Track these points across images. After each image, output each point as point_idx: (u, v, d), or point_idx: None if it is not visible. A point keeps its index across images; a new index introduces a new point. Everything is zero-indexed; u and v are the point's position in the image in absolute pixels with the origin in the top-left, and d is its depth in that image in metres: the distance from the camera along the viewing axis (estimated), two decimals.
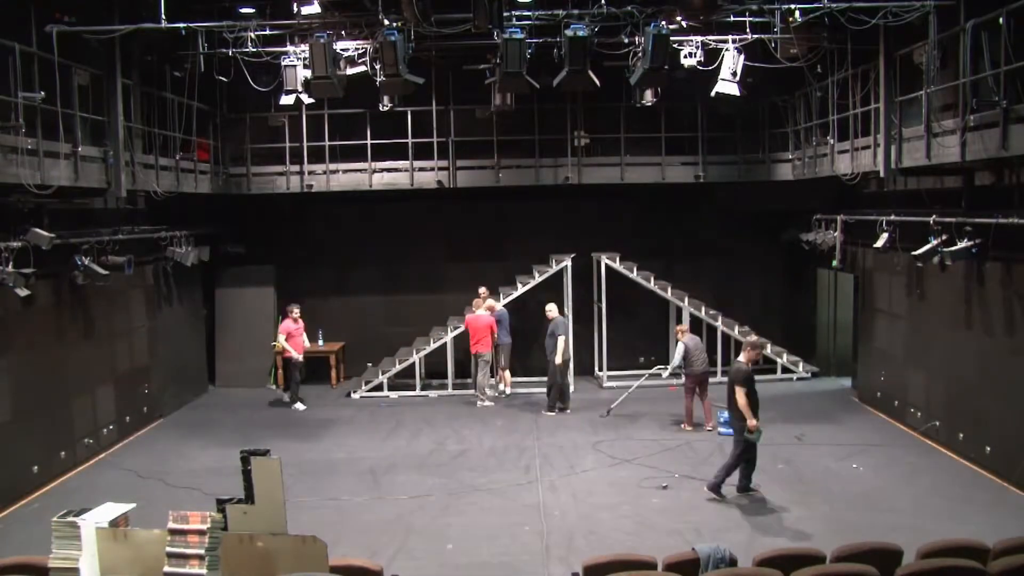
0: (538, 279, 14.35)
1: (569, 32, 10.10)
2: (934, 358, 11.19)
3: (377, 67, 10.94)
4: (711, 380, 12.50)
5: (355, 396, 14.42)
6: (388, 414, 13.42)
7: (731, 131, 14.64)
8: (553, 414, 12.97)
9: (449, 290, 15.52)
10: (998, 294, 9.65)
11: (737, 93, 11.68)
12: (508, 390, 14.38)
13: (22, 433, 9.73)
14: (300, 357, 13.83)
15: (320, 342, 15.23)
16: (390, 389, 14.44)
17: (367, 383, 14.52)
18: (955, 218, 10.05)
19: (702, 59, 11.37)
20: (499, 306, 14.09)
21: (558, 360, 12.97)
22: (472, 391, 14.03)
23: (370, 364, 15.43)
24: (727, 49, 11.37)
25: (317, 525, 8.80)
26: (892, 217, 11.50)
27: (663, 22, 10.34)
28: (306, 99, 12.29)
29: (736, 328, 14.36)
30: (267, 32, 10.92)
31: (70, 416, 10.82)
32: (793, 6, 10.14)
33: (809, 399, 13.32)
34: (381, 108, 13.31)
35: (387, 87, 11.39)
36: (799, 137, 14.12)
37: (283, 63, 11.25)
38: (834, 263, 13.50)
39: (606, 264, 14.32)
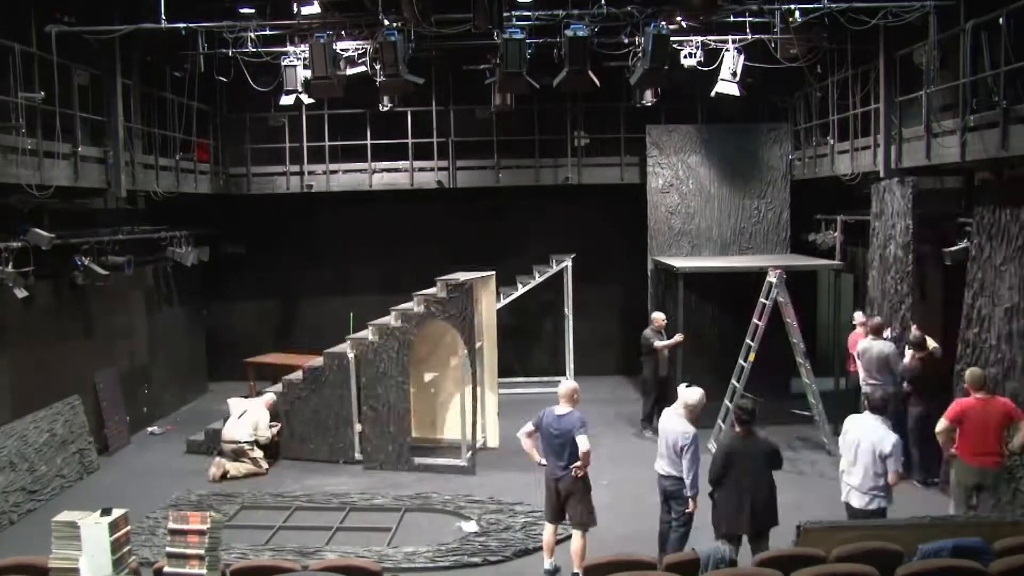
0: (539, 279, 14.33)
1: (569, 32, 10.09)
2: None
3: (377, 67, 10.94)
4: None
5: None
6: None
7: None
8: None
9: None
10: None
11: (737, 93, 11.69)
12: None
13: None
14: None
15: None
16: None
17: None
18: (955, 218, 10.05)
19: (702, 59, 11.38)
20: None
21: None
22: None
23: None
24: (727, 49, 11.38)
25: (315, 518, 8.86)
26: None
27: (663, 22, 10.33)
28: (306, 99, 12.28)
29: None
30: (267, 32, 10.91)
31: None
32: (793, 6, 10.14)
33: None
34: (381, 108, 13.33)
35: (387, 87, 11.39)
36: (799, 137, 14.12)
37: (283, 63, 11.26)
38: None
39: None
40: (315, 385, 11.11)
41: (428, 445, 11.47)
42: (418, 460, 10.67)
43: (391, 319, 10.89)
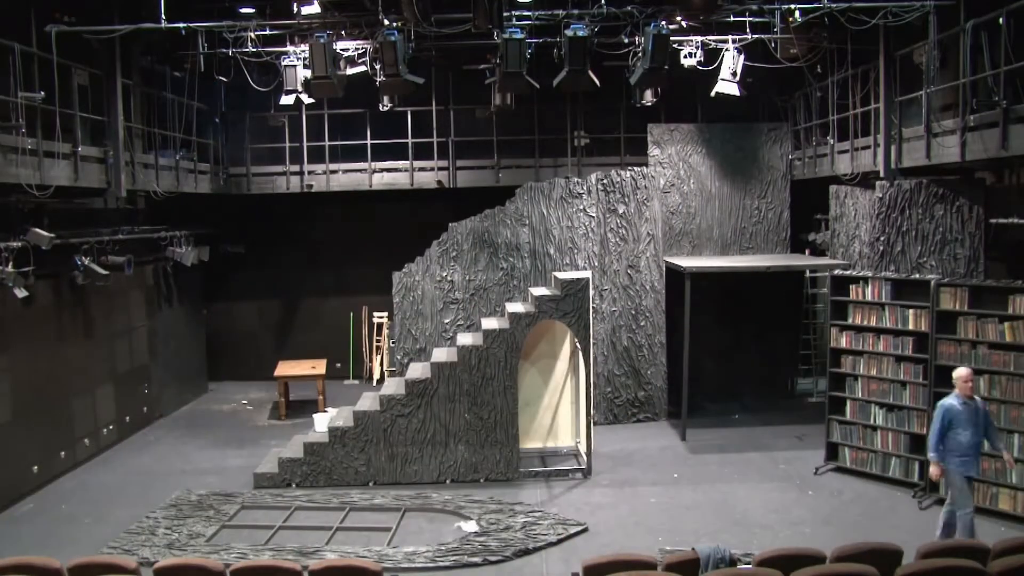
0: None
1: (569, 32, 10.10)
2: None
3: (377, 67, 10.95)
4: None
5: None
6: None
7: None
8: None
9: None
10: None
11: (737, 93, 11.68)
12: None
13: (22, 433, 9.73)
14: None
15: None
16: None
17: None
18: None
19: (702, 59, 11.38)
20: None
21: None
22: None
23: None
24: (727, 49, 11.38)
25: (315, 518, 8.86)
26: None
27: (663, 22, 10.34)
28: (306, 99, 12.29)
29: None
30: (267, 32, 10.92)
31: (70, 416, 10.82)
32: (793, 6, 10.14)
33: (810, 399, 13.34)
34: (381, 108, 13.33)
35: (387, 87, 11.39)
36: (799, 137, 14.12)
37: (283, 63, 11.27)
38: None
39: None
40: (421, 400, 10.14)
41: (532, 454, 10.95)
42: (529, 469, 10.32)
43: (494, 322, 10.49)
